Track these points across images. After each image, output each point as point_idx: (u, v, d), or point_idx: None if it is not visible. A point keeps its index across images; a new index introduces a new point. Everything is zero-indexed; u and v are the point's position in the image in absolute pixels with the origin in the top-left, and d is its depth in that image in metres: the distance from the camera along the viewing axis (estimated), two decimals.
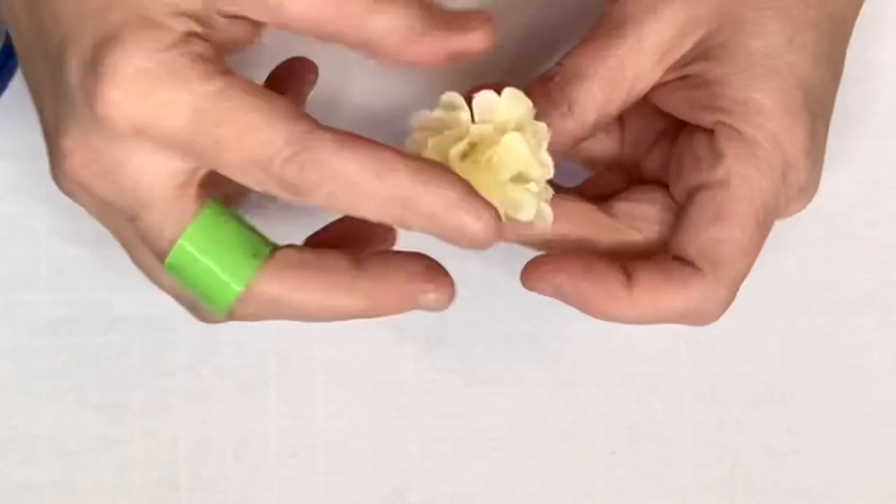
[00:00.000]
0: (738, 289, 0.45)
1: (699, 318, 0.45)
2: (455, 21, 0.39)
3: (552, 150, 0.43)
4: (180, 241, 0.40)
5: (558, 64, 0.46)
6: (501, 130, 0.42)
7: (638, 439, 0.52)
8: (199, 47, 0.39)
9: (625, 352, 0.52)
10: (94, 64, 0.39)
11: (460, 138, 0.42)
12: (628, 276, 0.44)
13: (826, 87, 0.45)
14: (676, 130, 0.47)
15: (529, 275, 0.45)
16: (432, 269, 0.41)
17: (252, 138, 0.38)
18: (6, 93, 0.51)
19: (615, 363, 0.52)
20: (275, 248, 0.41)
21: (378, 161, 0.38)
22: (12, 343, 0.51)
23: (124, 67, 0.38)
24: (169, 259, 0.41)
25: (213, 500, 0.51)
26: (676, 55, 0.45)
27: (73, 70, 0.40)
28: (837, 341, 0.52)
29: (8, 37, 0.51)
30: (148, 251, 0.42)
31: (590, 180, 0.49)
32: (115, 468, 0.51)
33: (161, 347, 0.51)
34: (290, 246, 0.41)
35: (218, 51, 0.40)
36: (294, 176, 0.38)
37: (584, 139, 0.46)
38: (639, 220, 0.46)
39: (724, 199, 0.44)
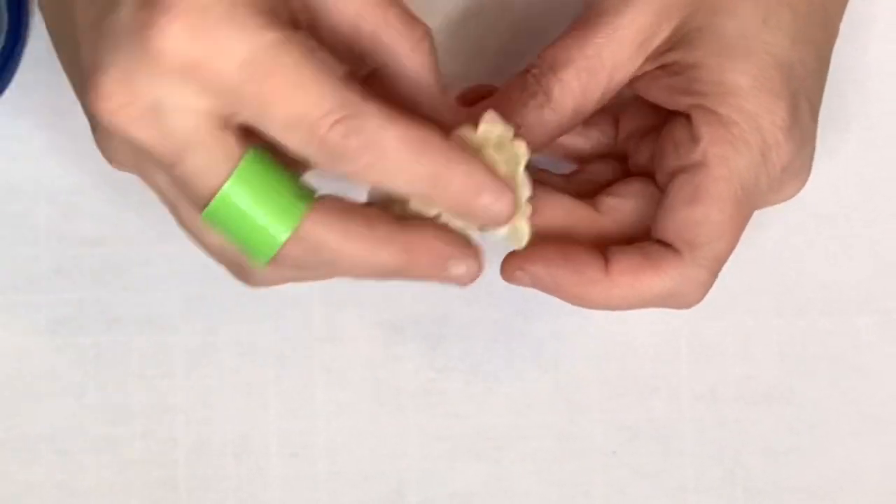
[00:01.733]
0: (718, 270, 0.45)
1: (680, 299, 0.45)
2: None
3: (533, 144, 0.43)
4: (227, 184, 0.39)
5: (538, 56, 0.46)
6: (478, 149, 0.42)
7: (638, 439, 0.52)
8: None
9: (625, 351, 0.52)
10: None
11: None
12: (606, 260, 0.44)
13: (807, 68, 0.45)
14: (665, 123, 0.47)
15: (507, 267, 0.45)
16: (468, 245, 0.41)
17: (301, 96, 0.38)
18: (6, 93, 0.51)
19: (615, 363, 0.52)
20: (319, 197, 0.41)
21: (418, 138, 0.39)
22: (12, 343, 0.51)
23: (187, 3, 0.38)
24: (214, 203, 0.39)
25: (213, 500, 0.51)
26: (654, 43, 0.45)
27: (128, 3, 0.38)
28: (837, 341, 0.52)
29: (7, 37, 0.51)
30: (191, 205, 0.41)
31: (579, 169, 0.49)
32: (115, 468, 0.51)
33: (161, 347, 0.51)
34: (333, 196, 0.41)
35: (275, 9, 0.39)
36: (337, 140, 0.38)
37: (564, 131, 0.46)
38: (625, 214, 0.46)
39: (700, 181, 0.44)
